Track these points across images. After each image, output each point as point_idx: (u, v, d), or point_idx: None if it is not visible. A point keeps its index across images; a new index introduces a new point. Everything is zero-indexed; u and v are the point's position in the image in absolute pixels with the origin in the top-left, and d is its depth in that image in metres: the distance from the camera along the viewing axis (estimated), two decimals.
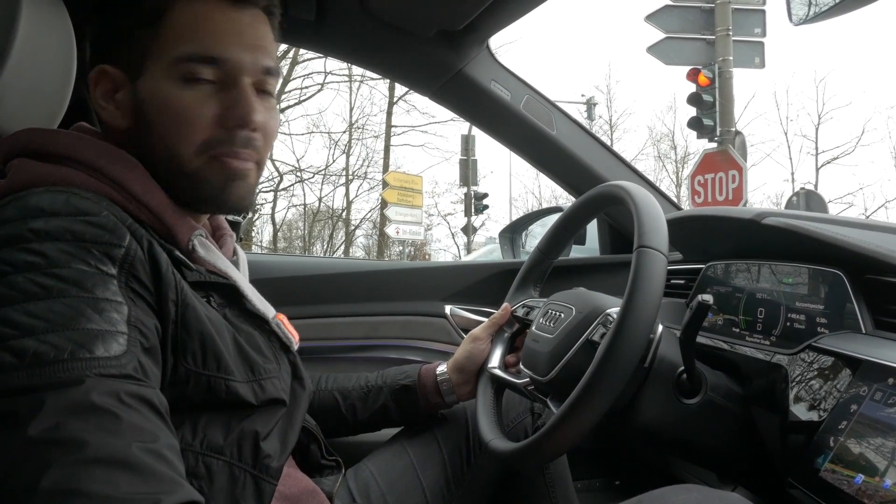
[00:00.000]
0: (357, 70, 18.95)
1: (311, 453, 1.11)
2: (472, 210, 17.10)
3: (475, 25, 1.46)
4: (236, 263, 0.98)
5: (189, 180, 0.83)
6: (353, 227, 22.19)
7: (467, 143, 16.61)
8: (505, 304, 1.33)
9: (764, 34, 7.75)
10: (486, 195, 17.18)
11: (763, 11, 7.79)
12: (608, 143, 1.81)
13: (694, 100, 7.84)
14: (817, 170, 21.68)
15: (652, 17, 7.55)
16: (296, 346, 0.95)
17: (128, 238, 0.69)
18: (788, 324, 1.07)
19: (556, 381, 1.10)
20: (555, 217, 1.77)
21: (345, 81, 20.13)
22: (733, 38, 7.60)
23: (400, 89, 19.51)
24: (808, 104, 36.60)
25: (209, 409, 0.77)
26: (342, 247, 22.10)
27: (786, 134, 23.72)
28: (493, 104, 1.65)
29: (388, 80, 18.50)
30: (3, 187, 0.74)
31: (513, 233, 1.99)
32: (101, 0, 0.85)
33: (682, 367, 1.04)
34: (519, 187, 35.90)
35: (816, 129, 21.84)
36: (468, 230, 17.80)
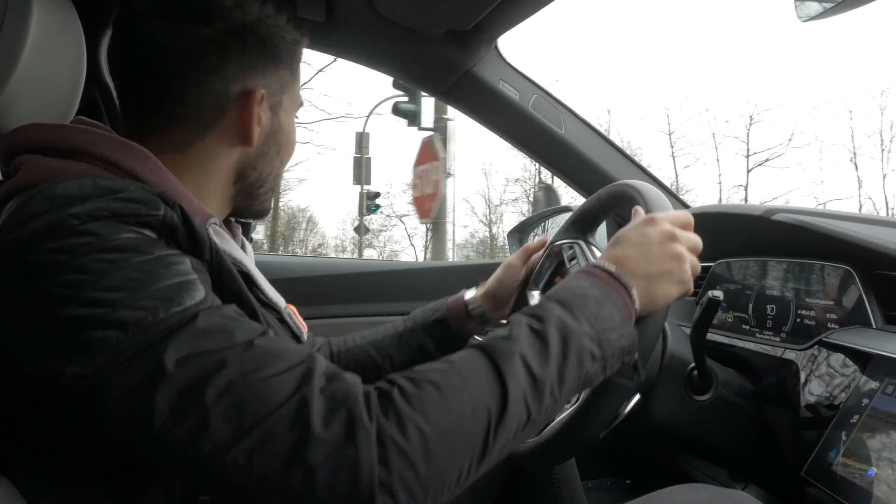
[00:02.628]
0: None
1: None
2: (365, 210, 16.60)
3: (484, 25, 1.46)
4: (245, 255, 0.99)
5: (272, 192, 0.98)
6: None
7: (361, 141, 15.88)
8: (542, 236, 1.30)
9: None
10: (378, 195, 16.70)
11: None
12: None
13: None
14: (748, 172, 21.60)
15: None
16: (306, 338, 0.97)
17: (162, 207, 0.70)
18: (798, 320, 1.07)
19: None
20: (564, 217, 1.77)
21: None
22: None
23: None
24: (740, 105, 35.49)
25: None
26: None
27: (713, 135, 23.59)
28: (501, 104, 1.65)
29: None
30: (17, 184, 0.72)
31: (521, 232, 1.98)
32: (265, 35, 0.89)
33: (693, 364, 1.04)
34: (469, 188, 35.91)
35: (748, 131, 21.88)
36: (360, 230, 17.36)
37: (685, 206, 1.75)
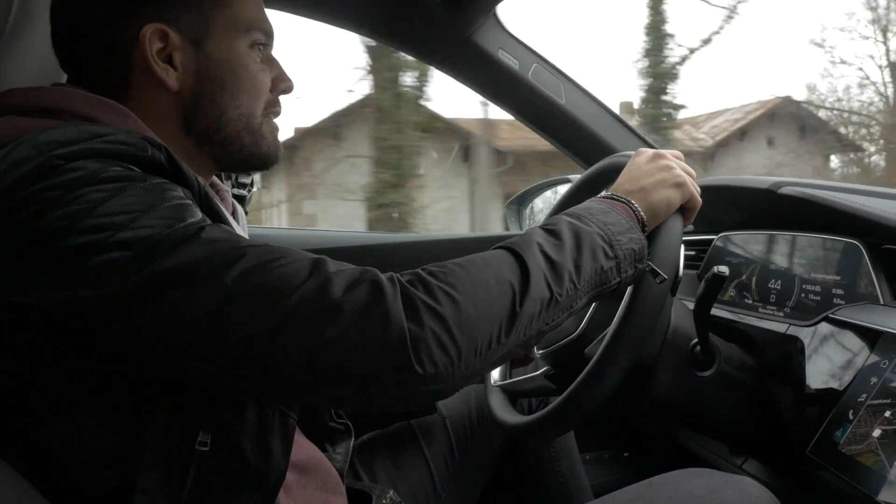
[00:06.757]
0: None
1: (319, 417, 1.08)
2: None
3: None
4: (236, 219, 0.96)
5: (254, 136, 0.89)
6: None
7: None
8: None
9: None
10: None
11: None
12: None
13: None
14: None
15: None
16: None
17: (149, 149, 0.70)
18: (803, 295, 1.06)
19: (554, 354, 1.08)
20: (562, 188, 1.74)
21: None
22: None
23: None
24: None
25: None
26: None
27: None
28: (500, 73, 1.61)
29: None
30: None
31: (520, 204, 1.96)
32: None
33: (696, 340, 1.02)
34: None
35: None
36: None
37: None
